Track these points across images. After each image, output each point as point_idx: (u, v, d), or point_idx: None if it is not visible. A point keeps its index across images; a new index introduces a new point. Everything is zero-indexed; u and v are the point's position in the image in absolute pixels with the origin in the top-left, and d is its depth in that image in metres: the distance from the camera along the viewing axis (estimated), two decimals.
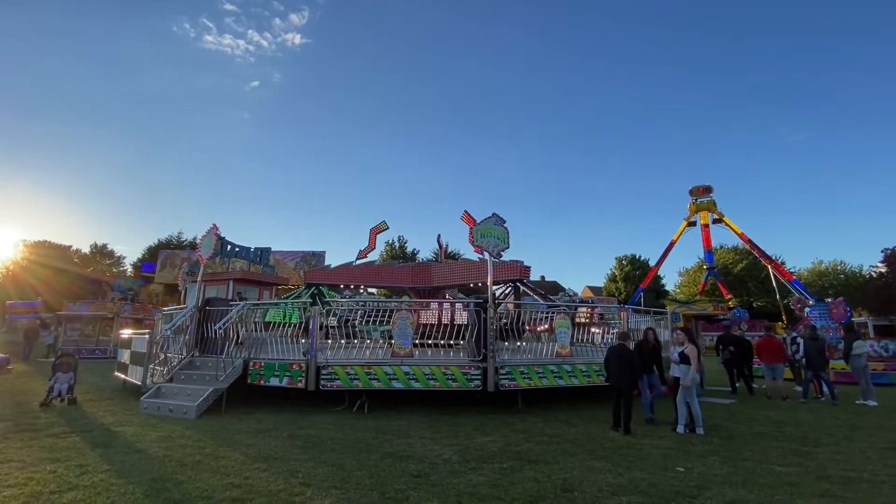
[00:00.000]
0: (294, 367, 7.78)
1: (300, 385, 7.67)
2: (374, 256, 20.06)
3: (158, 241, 51.19)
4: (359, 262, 17.77)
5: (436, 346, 8.30)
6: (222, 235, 20.56)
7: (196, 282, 21.41)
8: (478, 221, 8.07)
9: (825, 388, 9.90)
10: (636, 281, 46.92)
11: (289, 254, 39.15)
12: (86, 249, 54.62)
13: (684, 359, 6.75)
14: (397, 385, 7.54)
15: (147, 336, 9.62)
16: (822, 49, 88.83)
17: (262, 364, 8.08)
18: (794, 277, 35.52)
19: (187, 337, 9.00)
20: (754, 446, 5.86)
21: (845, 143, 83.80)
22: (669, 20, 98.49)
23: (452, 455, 5.20)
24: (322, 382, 7.57)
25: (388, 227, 18.91)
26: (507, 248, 8.06)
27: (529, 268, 13.25)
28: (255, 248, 21.04)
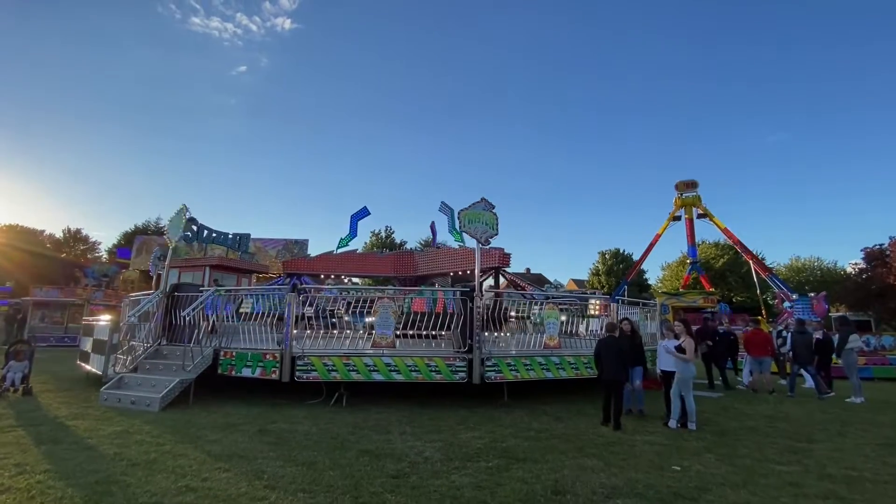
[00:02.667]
0: (267, 357, 7.32)
1: (274, 376, 7.21)
2: (356, 245, 19.53)
3: (135, 226, 49.63)
4: (340, 250, 17.24)
5: (419, 336, 7.92)
6: (194, 218, 19.70)
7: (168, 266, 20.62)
8: (466, 206, 7.66)
9: (810, 382, 9.85)
10: (619, 275, 47.21)
11: (271, 241, 38.18)
12: (59, 234, 52.86)
13: (681, 351, 6.50)
14: (378, 377, 7.14)
15: (109, 323, 9.02)
16: (798, 53, 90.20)
17: (234, 353, 7.59)
18: (773, 273, 36.08)
19: (153, 324, 8.43)
20: (748, 442, 5.64)
21: (823, 143, 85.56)
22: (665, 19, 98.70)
23: (434, 453, 4.84)
24: (297, 374, 7.12)
25: (369, 213, 18.33)
26: (496, 234, 7.68)
27: (510, 255, 12.93)
28: (234, 234, 20.34)
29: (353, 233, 16.71)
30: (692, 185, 38.72)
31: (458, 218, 7.57)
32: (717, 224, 37.37)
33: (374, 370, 7.15)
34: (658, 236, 38.87)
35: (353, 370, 7.14)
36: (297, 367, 7.14)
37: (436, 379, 7.21)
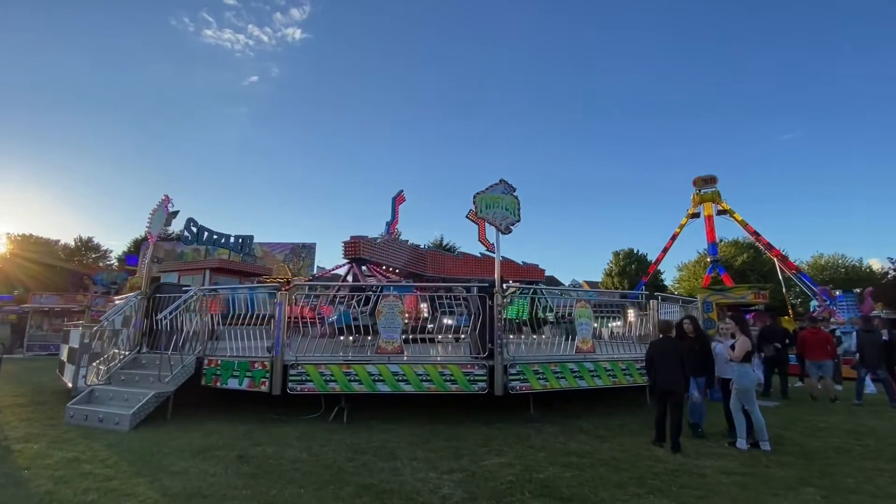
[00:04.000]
0: (256, 365, 6.32)
1: (263, 388, 6.20)
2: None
3: (146, 233, 49.45)
4: (390, 237, 16.04)
5: (431, 340, 6.88)
6: (194, 219, 18.75)
7: (160, 268, 19.79)
8: (483, 189, 6.61)
9: (871, 388, 8.59)
10: (632, 276, 45.73)
11: (278, 245, 37.50)
12: (71, 243, 53.03)
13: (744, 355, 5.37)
14: (383, 388, 6.10)
15: (80, 328, 8.10)
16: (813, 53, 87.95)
17: (220, 362, 6.61)
18: (800, 270, 34.43)
19: (131, 330, 7.49)
20: (848, 468, 4.48)
21: (841, 139, 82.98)
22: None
23: (454, 488, 3.78)
24: (290, 385, 6.11)
25: (405, 199, 17.32)
26: (518, 220, 6.62)
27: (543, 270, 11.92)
28: (236, 236, 19.51)
29: (393, 216, 15.75)
30: (711, 180, 37.34)
31: (475, 202, 6.53)
32: (738, 221, 35.90)
33: (378, 380, 6.11)
34: (676, 235, 37.50)
35: (355, 380, 6.11)
36: (290, 378, 6.12)
37: (451, 390, 6.15)
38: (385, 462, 4.50)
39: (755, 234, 35.21)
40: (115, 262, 51.82)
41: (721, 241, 45.98)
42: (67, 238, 54.07)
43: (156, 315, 7.18)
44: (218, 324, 6.97)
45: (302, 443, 5.19)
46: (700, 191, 37.14)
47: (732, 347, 5.51)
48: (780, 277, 33.91)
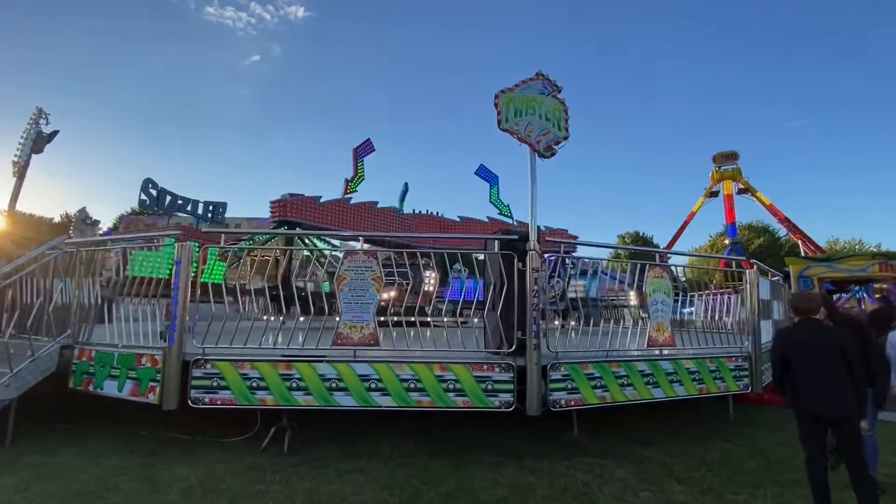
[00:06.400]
0: (143, 360, 3.93)
1: (150, 397, 3.83)
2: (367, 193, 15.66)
3: (131, 209, 47.16)
4: (347, 197, 13.37)
5: (423, 324, 4.46)
6: (152, 179, 16.23)
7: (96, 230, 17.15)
8: (510, 87, 4.12)
9: None
10: (639, 259, 43.49)
11: (266, 220, 34.90)
12: (57, 218, 50.80)
13: None
14: (345, 401, 3.72)
15: None
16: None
17: (94, 354, 4.23)
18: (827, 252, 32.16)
19: None
20: None
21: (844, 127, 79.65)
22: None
23: None
24: (193, 392, 3.72)
25: (374, 150, 14.62)
26: (566, 137, 4.16)
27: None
28: (206, 202, 17.01)
29: (356, 172, 13.08)
30: (732, 156, 34.80)
31: (497, 106, 4.05)
32: (760, 200, 33.54)
33: (337, 388, 3.73)
34: (693, 214, 35.24)
35: (299, 388, 3.73)
36: (194, 382, 3.73)
37: (456, 404, 3.77)
38: None
39: (778, 214, 32.83)
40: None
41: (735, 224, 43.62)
42: (56, 215, 51.93)
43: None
44: (97, 298, 4.52)
45: (208, 495, 2.85)
46: (720, 167, 34.65)
47: None
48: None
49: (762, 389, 5.25)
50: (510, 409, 3.78)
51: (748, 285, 5.17)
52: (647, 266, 4.61)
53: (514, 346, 3.87)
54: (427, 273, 8.43)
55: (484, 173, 14.76)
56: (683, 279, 6.42)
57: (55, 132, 5.39)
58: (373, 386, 3.74)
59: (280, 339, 3.85)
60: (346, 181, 13.34)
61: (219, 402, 3.73)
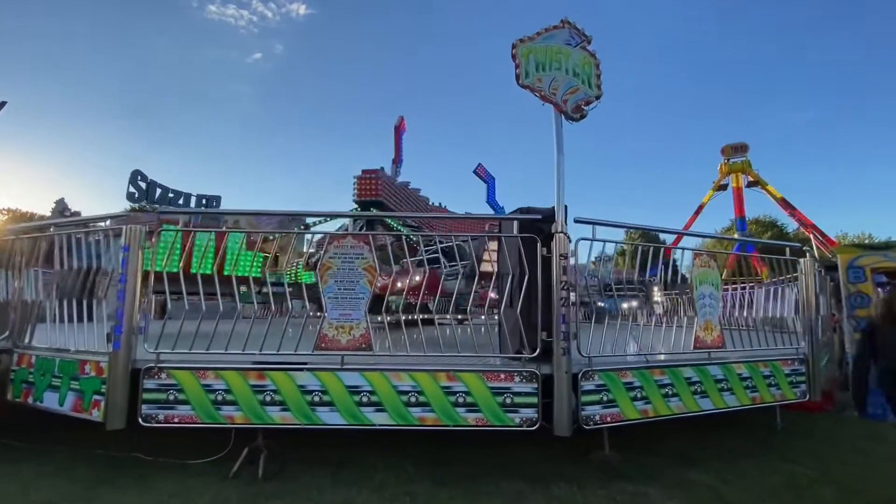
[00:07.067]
0: (87, 369, 3.24)
1: (95, 413, 3.14)
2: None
3: (132, 207, 46.70)
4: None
5: (428, 322, 3.78)
6: (141, 171, 15.55)
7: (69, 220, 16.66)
8: (530, 35, 3.39)
9: None
10: (643, 256, 42.78)
11: (263, 216, 34.18)
12: (48, 214, 50.26)
13: None
14: (331, 418, 3.03)
15: None
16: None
17: (34, 360, 3.54)
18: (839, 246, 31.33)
19: None
20: None
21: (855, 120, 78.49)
22: None
23: None
24: (145, 408, 3.02)
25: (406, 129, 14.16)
26: (599, 96, 3.43)
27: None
28: (199, 195, 16.36)
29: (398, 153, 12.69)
30: (741, 148, 33.85)
31: (515, 58, 3.32)
32: (770, 193, 32.66)
33: (321, 402, 3.03)
34: (702, 206, 34.39)
35: (274, 402, 3.03)
36: (146, 395, 3.04)
37: (467, 421, 3.07)
38: None
39: (790, 207, 31.98)
40: None
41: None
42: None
43: None
44: (40, 293, 3.82)
45: None
46: (728, 160, 33.77)
47: None
48: (817, 255, 30.83)
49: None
50: (534, 428, 3.08)
51: (804, 275, 4.44)
52: (693, 253, 3.88)
53: (537, 351, 3.16)
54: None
55: (482, 173, 14.26)
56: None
57: (3, 102, 4.86)
58: (364, 399, 3.04)
59: (251, 343, 3.15)
60: (393, 161, 12.86)
61: (176, 421, 3.04)
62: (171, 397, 3.04)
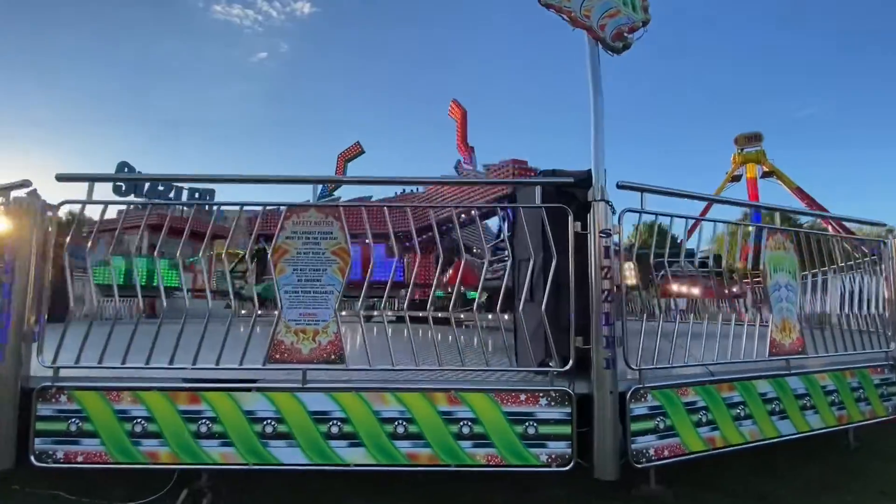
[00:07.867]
0: None
1: None
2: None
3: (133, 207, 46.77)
4: (324, 200, 12.35)
5: (420, 321, 2.93)
6: (128, 163, 14.90)
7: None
8: None
9: None
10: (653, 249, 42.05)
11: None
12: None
13: None
14: (288, 455, 2.21)
15: None
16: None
17: None
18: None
19: None
20: None
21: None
22: None
23: None
24: (39, 443, 2.22)
25: (363, 151, 13.61)
26: (648, 21, 2.58)
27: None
28: (191, 190, 15.66)
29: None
30: (756, 138, 32.83)
31: None
32: (786, 183, 31.60)
33: (275, 433, 2.22)
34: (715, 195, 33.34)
35: (212, 434, 2.22)
36: (39, 425, 2.24)
37: (475, 460, 2.24)
38: None
39: (806, 198, 30.87)
40: None
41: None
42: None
43: None
44: None
45: None
46: (742, 150, 32.72)
47: None
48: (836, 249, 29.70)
49: None
50: (566, 469, 2.24)
51: (891, 260, 3.57)
52: (766, 233, 3.04)
53: (570, 363, 2.32)
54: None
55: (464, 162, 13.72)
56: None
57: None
58: (335, 430, 2.21)
59: (182, 354, 2.33)
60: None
61: (79, 460, 2.23)
62: (74, 428, 2.23)
